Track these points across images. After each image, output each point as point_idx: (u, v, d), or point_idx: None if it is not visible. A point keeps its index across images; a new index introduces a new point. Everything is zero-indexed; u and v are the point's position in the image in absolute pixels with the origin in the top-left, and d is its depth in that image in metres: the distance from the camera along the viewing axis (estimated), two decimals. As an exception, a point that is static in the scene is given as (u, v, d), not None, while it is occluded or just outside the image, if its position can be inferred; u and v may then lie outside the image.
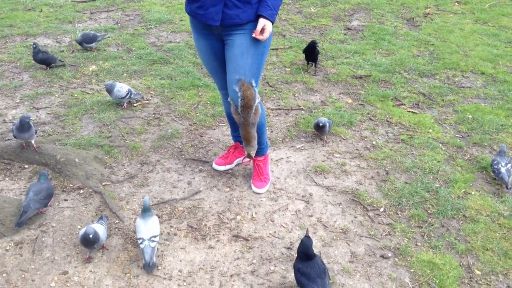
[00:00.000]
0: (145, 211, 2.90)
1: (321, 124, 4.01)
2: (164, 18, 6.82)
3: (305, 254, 2.57)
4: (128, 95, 4.36)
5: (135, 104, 4.53)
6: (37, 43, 4.96)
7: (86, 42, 5.53)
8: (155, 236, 2.83)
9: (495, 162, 3.65)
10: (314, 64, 5.47)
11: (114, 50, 5.73)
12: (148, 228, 2.84)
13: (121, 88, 4.33)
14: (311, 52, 5.29)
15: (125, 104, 4.46)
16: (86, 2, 7.37)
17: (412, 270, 2.89)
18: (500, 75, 5.44)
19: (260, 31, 2.85)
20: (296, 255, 2.68)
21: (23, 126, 3.42)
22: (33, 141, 3.57)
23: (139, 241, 2.80)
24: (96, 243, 2.80)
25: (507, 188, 3.59)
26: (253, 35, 2.87)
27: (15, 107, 4.40)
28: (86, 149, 3.78)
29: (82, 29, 6.18)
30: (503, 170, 3.58)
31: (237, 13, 2.83)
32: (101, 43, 5.81)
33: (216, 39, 3.02)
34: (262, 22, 2.83)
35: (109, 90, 4.34)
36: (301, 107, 4.65)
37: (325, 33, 6.55)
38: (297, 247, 2.99)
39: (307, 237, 2.59)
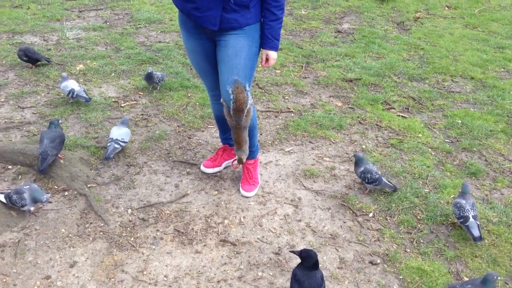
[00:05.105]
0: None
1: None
2: (153, 17, 6.75)
3: (309, 264, 2.47)
4: (70, 94, 4.27)
5: (123, 105, 4.46)
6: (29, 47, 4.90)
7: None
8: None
9: (459, 205, 3.12)
10: None
11: (102, 49, 5.65)
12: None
13: (65, 87, 4.26)
14: None
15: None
16: (74, 0, 7.27)
17: (401, 277, 2.87)
18: (489, 80, 5.45)
19: (266, 60, 3.02)
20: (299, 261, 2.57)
21: None
22: None
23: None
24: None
25: (474, 240, 3.02)
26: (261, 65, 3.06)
27: (0, 106, 4.31)
28: (71, 150, 3.71)
29: (70, 28, 6.09)
30: (471, 217, 3.05)
31: (235, 17, 2.79)
32: (89, 42, 5.73)
33: (207, 39, 2.96)
34: (264, 52, 3.00)
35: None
36: (291, 110, 4.62)
37: (315, 36, 6.53)
38: (285, 252, 2.97)
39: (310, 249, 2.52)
